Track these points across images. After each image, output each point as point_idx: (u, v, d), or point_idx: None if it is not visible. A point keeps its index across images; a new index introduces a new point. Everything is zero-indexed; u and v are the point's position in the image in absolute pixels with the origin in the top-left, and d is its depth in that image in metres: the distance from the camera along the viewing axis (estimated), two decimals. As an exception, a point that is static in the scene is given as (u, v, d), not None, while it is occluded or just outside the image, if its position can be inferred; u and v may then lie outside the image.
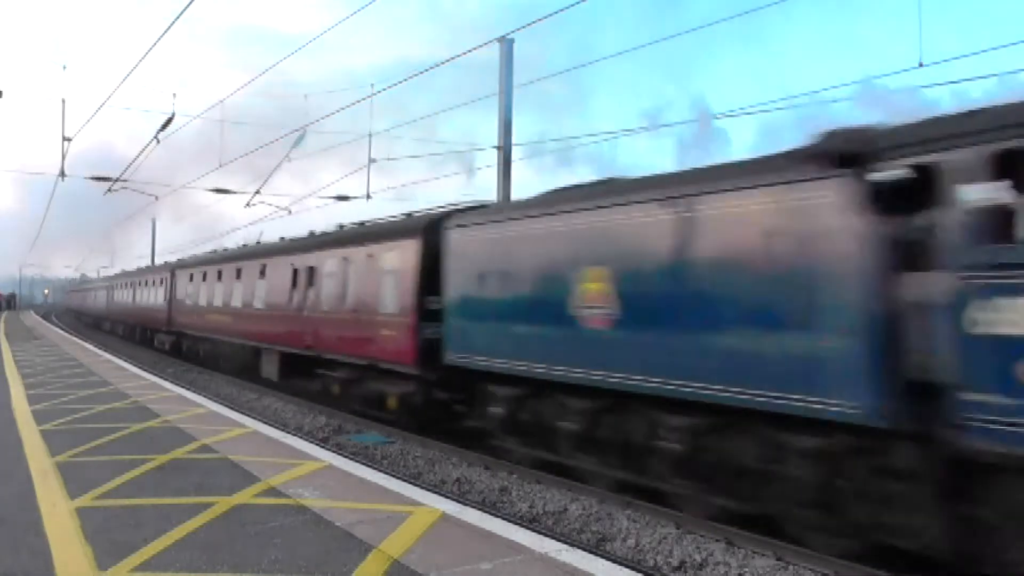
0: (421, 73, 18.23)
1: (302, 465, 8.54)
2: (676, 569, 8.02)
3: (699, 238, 8.60)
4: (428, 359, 13.40)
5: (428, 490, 8.34)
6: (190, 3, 12.22)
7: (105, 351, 29.80)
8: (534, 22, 20.33)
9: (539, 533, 6.78)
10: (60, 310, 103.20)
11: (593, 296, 9.88)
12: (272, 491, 7.29)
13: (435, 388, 13.68)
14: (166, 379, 19.82)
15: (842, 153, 7.16)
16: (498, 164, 18.33)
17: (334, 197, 24.91)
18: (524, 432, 11.76)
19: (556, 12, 13.63)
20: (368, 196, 21.95)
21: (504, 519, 7.27)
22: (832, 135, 7.62)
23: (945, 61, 9.66)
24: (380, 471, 9.40)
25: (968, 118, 6.53)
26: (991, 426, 6.05)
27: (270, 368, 21.01)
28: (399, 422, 14.91)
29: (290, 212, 26.62)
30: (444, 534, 6.05)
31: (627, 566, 6.21)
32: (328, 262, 17.54)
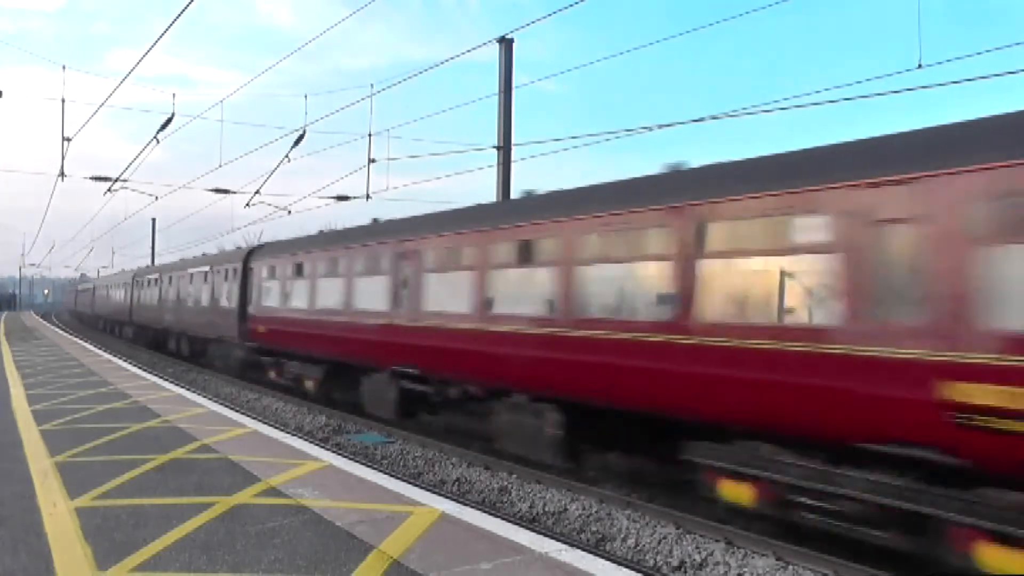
0: (421, 73, 18.19)
1: (302, 465, 8.54)
2: (676, 569, 8.03)
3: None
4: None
5: (428, 490, 8.34)
6: (189, 3, 12.20)
7: (105, 351, 29.81)
8: (534, 22, 20.32)
9: (539, 533, 6.78)
10: (61, 311, 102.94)
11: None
12: (272, 491, 7.29)
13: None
14: (166, 379, 19.83)
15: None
16: (498, 164, 18.33)
17: (334, 197, 24.90)
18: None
19: (556, 12, 13.62)
20: (368, 196, 21.92)
21: (504, 519, 7.26)
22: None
23: (948, 61, 9.60)
24: (380, 471, 9.40)
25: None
26: None
27: None
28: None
29: (290, 212, 26.51)
30: (444, 534, 6.05)
31: (627, 566, 6.20)
32: None
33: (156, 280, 36.39)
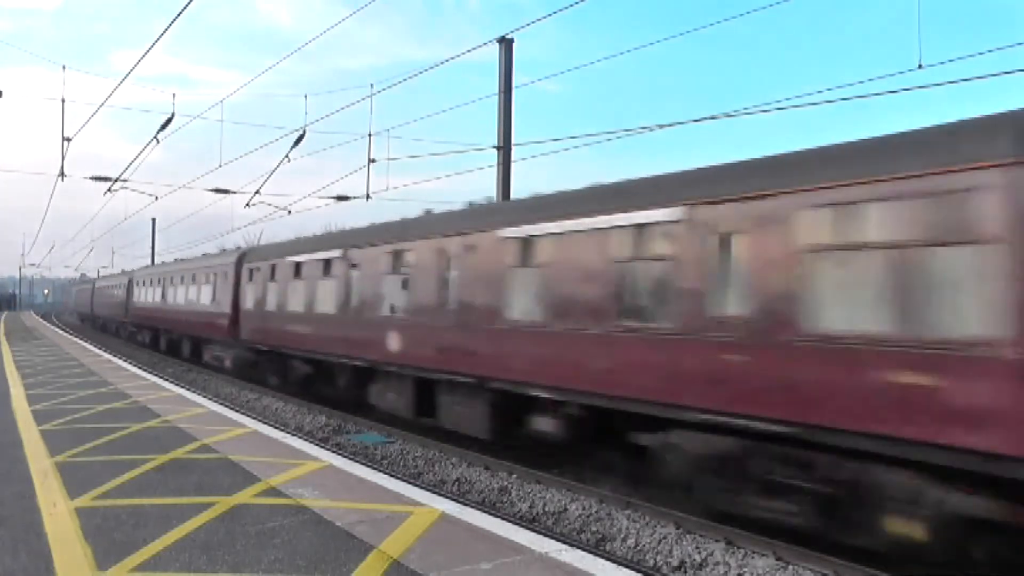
0: (421, 73, 18.23)
1: (302, 465, 8.54)
2: (676, 569, 8.03)
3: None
4: None
5: (428, 490, 8.34)
6: (189, 3, 12.20)
7: (105, 351, 29.80)
8: (534, 22, 20.24)
9: (539, 533, 6.78)
10: (61, 311, 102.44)
11: None
12: (272, 491, 7.29)
13: None
14: (166, 379, 19.82)
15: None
16: (498, 164, 18.33)
17: (334, 197, 24.89)
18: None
19: (556, 12, 13.60)
20: (368, 196, 21.91)
21: (504, 519, 7.27)
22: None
23: (948, 61, 9.57)
24: (380, 471, 9.41)
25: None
26: None
27: None
28: None
29: (290, 212, 26.28)
30: (444, 534, 6.05)
31: (627, 566, 6.21)
32: None
33: (330, 264, 17.77)
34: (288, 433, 11.97)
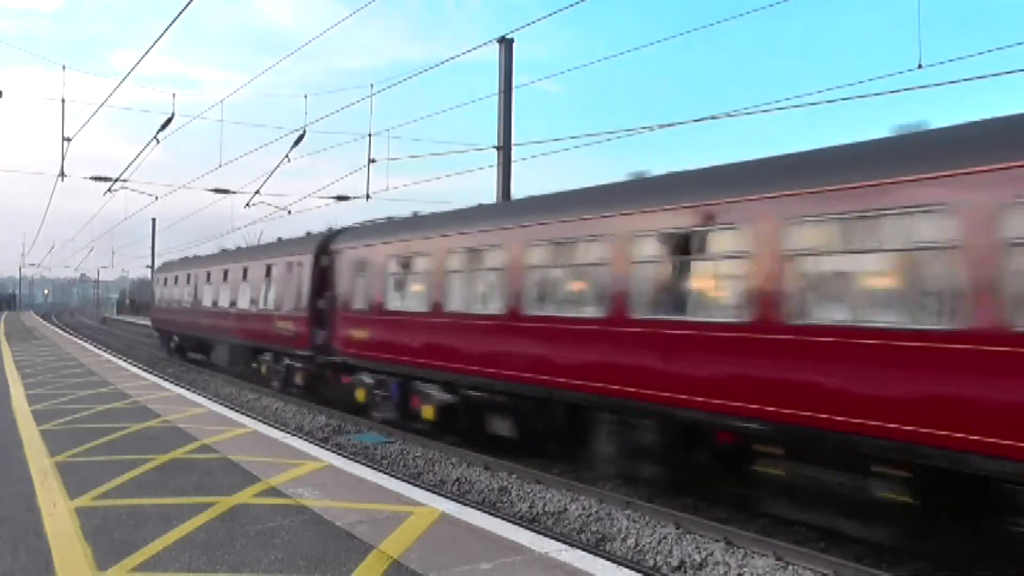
0: (421, 73, 18.23)
1: (302, 465, 8.54)
2: (675, 569, 8.03)
3: None
4: None
5: (428, 490, 8.34)
6: (189, 3, 12.20)
7: (105, 351, 29.80)
8: (534, 22, 20.31)
9: (539, 533, 6.78)
10: (58, 313, 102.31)
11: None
12: (272, 491, 7.29)
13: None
14: (166, 379, 19.82)
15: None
16: (498, 164, 18.32)
17: (334, 197, 24.90)
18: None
19: (556, 11, 13.61)
20: (368, 196, 21.92)
21: (504, 519, 7.27)
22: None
23: (948, 61, 9.58)
24: (380, 471, 9.40)
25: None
26: None
27: None
28: None
29: (290, 212, 26.45)
30: (444, 534, 6.05)
31: (627, 566, 6.20)
32: None
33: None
34: (288, 433, 11.97)
